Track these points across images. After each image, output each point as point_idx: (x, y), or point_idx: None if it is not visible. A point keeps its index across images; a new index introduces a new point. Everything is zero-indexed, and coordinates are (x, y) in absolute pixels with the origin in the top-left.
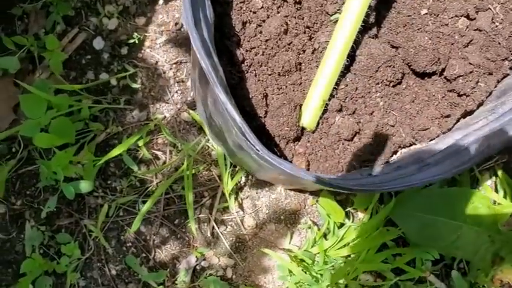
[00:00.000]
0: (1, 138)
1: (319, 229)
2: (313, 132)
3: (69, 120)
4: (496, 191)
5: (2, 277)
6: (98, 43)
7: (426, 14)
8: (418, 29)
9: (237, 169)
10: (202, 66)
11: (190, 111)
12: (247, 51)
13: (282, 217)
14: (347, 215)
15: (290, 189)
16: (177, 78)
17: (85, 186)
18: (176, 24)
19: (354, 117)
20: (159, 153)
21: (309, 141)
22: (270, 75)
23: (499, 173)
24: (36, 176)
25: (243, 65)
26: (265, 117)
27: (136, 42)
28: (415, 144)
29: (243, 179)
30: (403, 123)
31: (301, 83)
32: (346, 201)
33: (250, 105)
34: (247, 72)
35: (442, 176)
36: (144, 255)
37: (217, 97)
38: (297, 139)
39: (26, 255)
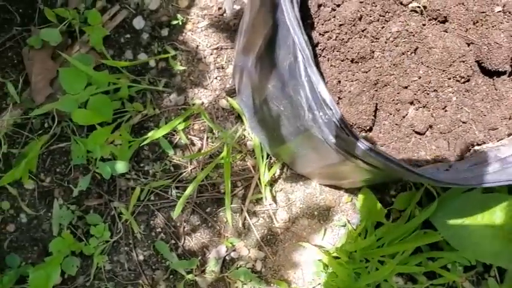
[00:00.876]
0: (38, 113)
1: (353, 227)
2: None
3: (108, 98)
4: None
5: (28, 255)
6: (138, 22)
7: (500, 12)
8: (492, 27)
9: (272, 161)
10: (296, 42)
11: (229, 99)
12: (320, 34)
13: (315, 213)
14: (385, 215)
15: (325, 185)
16: (217, 64)
17: (120, 167)
18: (219, 9)
19: (427, 110)
20: (195, 139)
21: (380, 132)
22: (342, 61)
23: None
24: (67, 153)
25: (316, 48)
26: (337, 104)
27: (179, 24)
28: (486, 142)
29: (278, 172)
30: (476, 121)
31: (375, 71)
32: (381, 200)
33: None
34: (320, 56)
35: None
36: (173, 241)
37: (304, 77)
38: (370, 130)
39: (53, 234)
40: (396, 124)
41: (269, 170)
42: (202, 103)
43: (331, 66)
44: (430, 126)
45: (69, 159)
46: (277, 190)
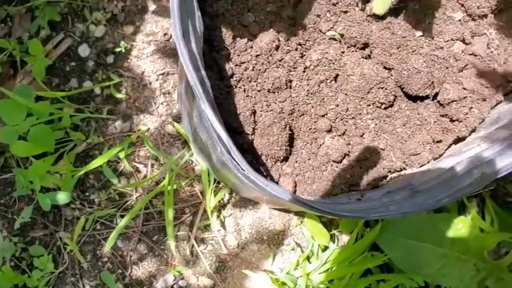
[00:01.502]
0: None
1: (302, 251)
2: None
3: (49, 128)
4: (483, 218)
5: None
6: (84, 50)
7: (421, 36)
8: (413, 51)
9: (220, 186)
10: (189, 79)
11: (175, 124)
12: (236, 65)
13: (265, 237)
14: (332, 237)
15: (274, 209)
16: (163, 90)
17: (62, 197)
18: (165, 34)
19: (344, 138)
20: (140, 166)
21: (296, 162)
22: (259, 91)
23: (487, 200)
24: (11, 184)
25: (231, 79)
26: (252, 134)
27: (123, 51)
28: (405, 169)
29: (226, 197)
30: (394, 147)
31: (291, 101)
32: (331, 223)
33: (238, 122)
34: (235, 87)
35: (433, 205)
36: (120, 271)
37: (202, 111)
38: (285, 159)
39: None
40: (313, 153)
41: (216, 195)
42: (148, 129)
43: (247, 96)
44: (347, 154)
45: (14, 190)
46: (226, 216)
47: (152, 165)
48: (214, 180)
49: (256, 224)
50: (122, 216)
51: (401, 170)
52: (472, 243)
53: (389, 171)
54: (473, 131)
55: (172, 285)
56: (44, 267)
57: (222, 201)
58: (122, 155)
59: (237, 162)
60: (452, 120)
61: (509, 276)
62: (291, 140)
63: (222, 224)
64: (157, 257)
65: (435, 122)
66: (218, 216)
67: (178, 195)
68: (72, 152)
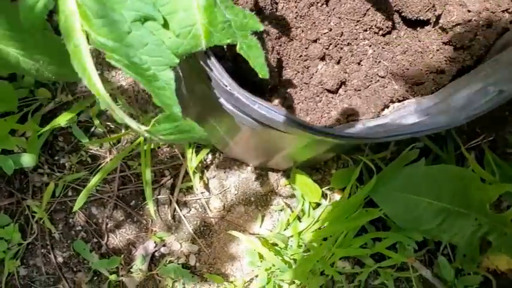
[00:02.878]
0: None
1: (292, 211)
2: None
3: (11, 85)
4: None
5: None
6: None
7: None
8: None
9: (202, 145)
10: None
11: None
12: None
13: (252, 199)
14: (323, 195)
15: (261, 168)
16: None
17: (27, 160)
18: None
19: (339, 65)
20: (113, 126)
21: (286, 93)
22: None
23: (486, 152)
24: None
25: None
26: (233, 61)
27: None
28: (409, 98)
29: (210, 157)
30: (396, 75)
31: (278, 23)
32: (322, 181)
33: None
34: None
35: (451, 124)
36: (95, 240)
37: None
38: (274, 89)
39: None
40: (305, 83)
41: (198, 154)
42: (121, 86)
43: None
44: (343, 83)
45: None
46: (209, 177)
47: (126, 126)
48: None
49: (243, 185)
50: (100, 180)
51: (404, 99)
52: (473, 196)
53: (392, 100)
54: (479, 61)
55: (154, 252)
56: (10, 238)
57: (204, 162)
58: (92, 112)
59: (219, 78)
60: (456, 48)
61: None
62: (280, 68)
63: (206, 186)
64: (135, 223)
65: (438, 50)
66: (201, 178)
67: (157, 157)
68: (38, 112)
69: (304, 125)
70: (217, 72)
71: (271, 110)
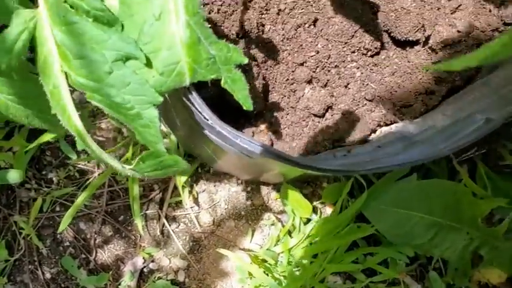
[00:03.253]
0: None
1: (283, 226)
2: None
3: None
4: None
5: None
6: None
7: None
8: None
9: (191, 159)
10: None
11: None
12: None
13: (242, 213)
14: (314, 210)
15: (251, 182)
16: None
17: (14, 176)
18: None
19: (326, 89)
20: (102, 139)
21: (272, 117)
22: (226, 36)
23: (479, 165)
24: None
25: None
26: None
27: None
28: (397, 122)
29: (199, 171)
30: (383, 98)
31: (264, 47)
32: (313, 195)
33: None
34: None
35: (431, 155)
36: (83, 256)
37: None
38: (260, 115)
39: None
40: (291, 107)
41: None
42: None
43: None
44: (330, 107)
45: None
46: (199, 191)
47: (115, 139)
48: (185, 153)
49: (233, 199)
50: (88, 197)
51: (392, 123)
52: (465, 210)
53: (379, 125)
54: (469, 81)
55: (142, 268)
56: None
57: (194, 176)
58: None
59: (199, 112)
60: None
61: (503, 245)
62: (266, 93)
63: (195, 201)
64: (124, 238)
65: (427, 70)
66: (190, 192)
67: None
68: (25, 127)
69: (286, 158)
70: (199, 106)
71: (253, 144)
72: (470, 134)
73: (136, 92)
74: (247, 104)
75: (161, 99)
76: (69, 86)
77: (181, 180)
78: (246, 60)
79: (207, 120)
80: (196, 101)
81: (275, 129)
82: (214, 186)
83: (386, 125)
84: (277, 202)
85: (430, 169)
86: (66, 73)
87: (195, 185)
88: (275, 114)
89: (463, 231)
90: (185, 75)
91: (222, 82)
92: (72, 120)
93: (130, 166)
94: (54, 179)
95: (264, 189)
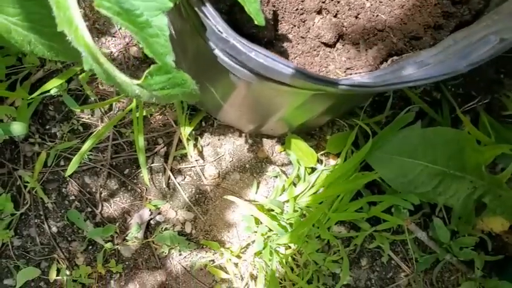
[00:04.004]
0: None
1: (288, 177)
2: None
3: None
4: None
5: None
6: None
7: None
8: None
9: (195, 113)
10: None
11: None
12: None
13: (247, 166)
14: (319, 160)
15: (255, 135)
16: None
17: (18, 128)
18: None
19: (337, 19)
20: (104, 93)
21: (283, 47)
22: None
23: (482, 114)
24: None
25: None
26: (228, 14)
27: None
28: (407, 51)
29: (203, 125)
30: (394, 28)
31: None
32: (317, 147)
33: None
34: None
35: (453, 70)
36: (89, 209)
37: None
38: (270, 44)
39: None
40: (302, 37)
41: (191, 121)
42: (111, 52)
43: None
44: (341, 37)
45: None
46: (203, 144)
47: (117, 93)
48: (188, 106)
49: (237, 152)
50: (93, 145)
51: (402, 53)
52: (469, 158)
53: (390, 54)
54: (478, 15)
55: (149, 220)
56: (3, 208)
57: (198, 130)
58: (82, 78)
59: (213, 24)
60: (454, 3)
61: (507, 193)
62: (275, 22)
63: (200, 154)
64: (130, 191)
65: (435, 4)
66: (195, 146)
67: (150, 125)
68: (27, 81)
69: (304, 73)
70: (212, 18)
71: (269, 58)
72: (486, 52)
73: None
74: (259, 18)
75: (171, 4)
76: None
77: (185, 133)
78: None
79: (221, 33)
80: (210, 13)
81: (286, 58)
82: (219, 139)
83: (397, 54)
84: (282, 155)
85: (433, 119)
86: None
87: (199, 138)
88: (285, 43)
89: (466, 180)
90: None
91: None
92: (80, 32)
93: (139, 81)
94: (57, 133)
95: (268, 142)
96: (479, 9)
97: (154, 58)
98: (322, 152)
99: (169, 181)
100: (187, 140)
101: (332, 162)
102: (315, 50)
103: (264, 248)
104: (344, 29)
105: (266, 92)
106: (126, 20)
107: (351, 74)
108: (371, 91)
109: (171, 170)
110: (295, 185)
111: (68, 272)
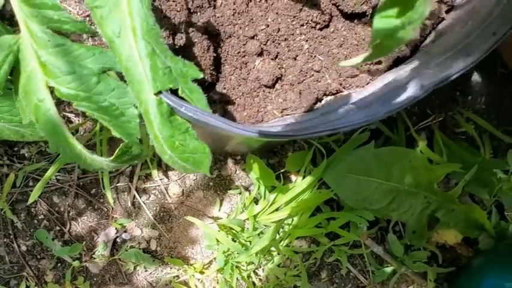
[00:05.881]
0: None
1: (250, 194)
2: (231, 79)
3: None
4: (433, 150)
5: None
6: None
7: None
8: None
9: None
10: None
11: None
12: None
13: (211, 183)
14: (279, 178)
15: (219, 154)
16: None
17: None
18: None
19: (276, 61)
20: (71, 115)
21: (225, 88)
22: (179, 11)
23: (436, 132)
24: None
25: None
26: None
27: None
28: (342, 91)
29: None
30: (330, 69)
31: (216, 21)
32: (279, 164)
33: None
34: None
35: (372, 118)
36: (58, 228)
37: None
38: (212, 86)
39: None
40: (243, 79)
41: None
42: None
43: (164, 17)
44: (279, 78)
45: None
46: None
47: (84, 114)
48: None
49: None
50: (57, 170)
51: (337, 92)
52: (422, 175)
53: (325, 94)
54: (415, 50)
55: (115, 238)
56: None
57: None
58: None
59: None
60: None
61: (459, 207)
62: (218, 65)
63: (165, 173)
64: (97, 210)
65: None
66: (159, 165)
67: (115, 145)
68: None
69: (230, 125)
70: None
71: (198, 112)
72: (405, 100)
73: (119, 96)
74: (207, 110)
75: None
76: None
77: (150, 152)
78: (201, 75)
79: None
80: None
81: (227, 99)
82: None
83: (332, 94)
84: (245, 173)
85: (388, 137)
86: (50, 88)
87: None
88: (227, 85)
89: (420, 196)
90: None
91: (180, 91)
92: (59, 126)
93: (110, 158)
94: (26, 154)
95: (232, 161)
96: (416, 45)
97: (122, 138)
98: (283, 170)
99: (135, 200)
100: (152, 159)
101: (293, 178)
102: (255, 91)
103: (225, 265)
104: (283, 70)
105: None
106: (102, 113)
107: (287, 115)
108: (292, 138)
109: (136, 189)
110: (256, 202)
111: None
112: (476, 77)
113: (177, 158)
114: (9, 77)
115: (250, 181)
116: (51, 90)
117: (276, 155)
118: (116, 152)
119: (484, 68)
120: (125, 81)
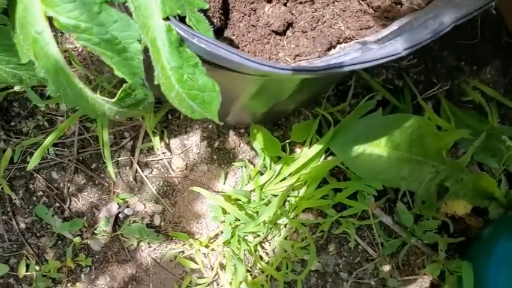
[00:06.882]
0: None
1: (255, 167)
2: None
3: None
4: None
5: None
6: None
7: None
8: None
9: (160, 106)
10: None
11: None
12: None
13: (214, 157)
14: (284, 149)
15: (223, 126)
16: None
17: None
18: None
19: (287, 7)
20: None
21: (234, 35)
22: None
23: (442, 101)
24: None
25: None
26: None
27: None
28: (356, 38)
29: (170, 117)
30: (343, 17)
31: None
32: (284, 136)
33: None
34: None
35: (390, 55)
36: (57, 204)
37: None
38: (220, 32)
39: None
40: (252, 25)
41: (156, 115)
42: (75, 47)
43: None
44: (290, 25)
45: None
46: (170, 137)
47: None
48: (155, 97)
49: (204, 144)
50: (55, 145)
51: (351, 40)
52: (430, 144)
53: (338, 41)
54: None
55: (117, 214)
56: None
57: (164, 122)
58: None
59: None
60: None
61: (467, 177)
62: (226, 10)
63: (167, 146)
64: (97, 186)
65: None
66: (162, 138)
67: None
68: None
69: (244, 57)
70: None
71: (211, 43)
72: (424, 36)
73: (122, 29)
74: (201, 3)
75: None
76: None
77: (151, 125)
78: (206, 6)
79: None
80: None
81: (236, 46)
82: (186, 131)
83: (345, 41)
84: (248, 145)
85: (395, 106)
86: (49, 18)
87: (166, 131)
88: (236, 32)
89: (428, 165)
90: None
91: (187, 19)
92: (59, 62)
93: (113, 100)
94: (23, 129)
95: (235, 133)
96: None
97: (125, 78)
98: (288, 141)
99: (137, 174)
100: (154, 133)
101: (298, 150)
102: (265, 38)
103: (232, 237)
104: (293, 17)
105: (218, 80)
106: (104, 48)
107: (300, 61)
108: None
109: (138, 164)
110: (261, 174)
111: (37, 268)
112: (481, 47)
113: (185, 95)
114: (5, 7)
115: (254, 154)
116: (50, 22)
117: (280, 127)
118: (118, 94)
119: (489, 37)
120: (128, 14)
